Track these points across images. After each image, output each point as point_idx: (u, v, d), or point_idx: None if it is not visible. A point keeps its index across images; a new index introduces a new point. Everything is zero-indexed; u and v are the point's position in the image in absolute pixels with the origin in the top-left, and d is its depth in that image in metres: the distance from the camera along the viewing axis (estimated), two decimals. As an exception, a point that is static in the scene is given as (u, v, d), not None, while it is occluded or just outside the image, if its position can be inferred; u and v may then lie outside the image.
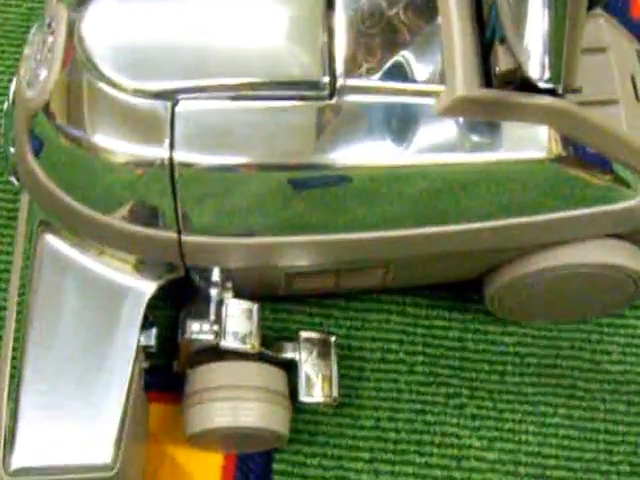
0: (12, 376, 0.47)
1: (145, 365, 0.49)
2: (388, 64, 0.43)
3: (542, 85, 0.40)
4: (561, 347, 0.55)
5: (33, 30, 0.47)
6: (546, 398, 0.54)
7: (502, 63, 0.41)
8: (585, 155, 0.45)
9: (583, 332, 0.56)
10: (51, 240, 0.49)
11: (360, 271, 0.50)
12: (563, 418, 0.54)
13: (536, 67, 0.40)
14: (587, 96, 0.47)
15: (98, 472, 0.45)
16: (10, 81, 0.62)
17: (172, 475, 0.52)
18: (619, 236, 0.50)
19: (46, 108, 0.43)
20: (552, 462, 0.52)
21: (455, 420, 0.53)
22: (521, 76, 0.41)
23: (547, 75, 0.40)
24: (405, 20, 0.45)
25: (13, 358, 0.48)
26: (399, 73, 0.43)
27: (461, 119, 0.43)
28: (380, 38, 0.44)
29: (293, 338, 0.51)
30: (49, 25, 0.45)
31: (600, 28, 0.49)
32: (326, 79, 0.42)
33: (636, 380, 0.54)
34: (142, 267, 0.48)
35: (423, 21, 0.45)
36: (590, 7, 0.40)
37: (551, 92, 0.41)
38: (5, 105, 0.50)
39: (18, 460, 0.45)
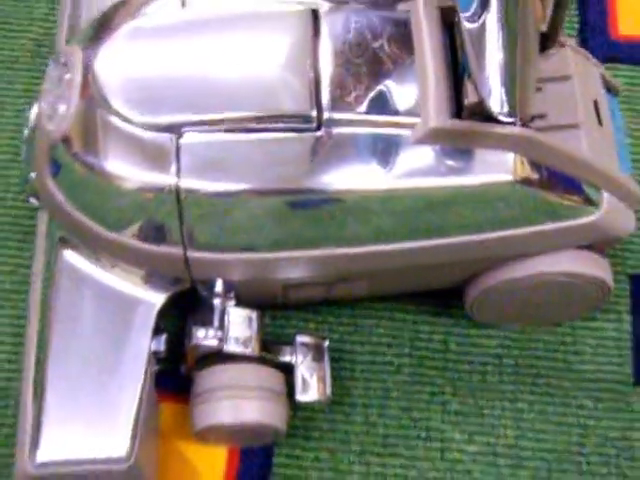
0: (35, 381, 0.52)
1: (155, 369, 0.53)
2: (371, 97, 0.48)
3: (501, 118, 0.45)
4: (537, 349, 0.59)
5: (50, 67, 0.51)
6: (523, 395, 0.58)
7: (469, 97, 0.46)
8: (551, 176, 0.50)
9: (557, 335, 0.60)
10: (69, 255, 0.53)
11: (350, 281, 0.55)
12: (538, 414, 0.58)
13: (496, 101, 0.45)
14: (551, 121, 0.51)
15: (115, 464, 0.49)
16: (24, 104, 0.67)
17: (181, 468, 0.55)
18: (587, 246, 0.54)
19: (65, 139, 0.48)
20: (528, 454, 0.56)
21: (439, 416, 0.57)
22: (485, 109, 0.45)
23: (505, 108, 0.45)
24: (388, 52, 0.50)
25: (36, 363, 0.53)
26: (380, 105, 0.48)
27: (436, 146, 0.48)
28: (364, 70, 0.48)
29: (290, 342, 0.55)
30: (65, 64, 0.50)
31: (565, 58, 0.52)
32: (314, 113, 0.46)
33: (605, 379, 0.59)
34: (152, 280, 0.52)
35: (405, 54, 0.50)
36: (543, 49, 0.45)
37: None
38: (25, 132, 0.55)
39: (43, 455, 0.49)
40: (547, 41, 0.47)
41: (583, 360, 0.59)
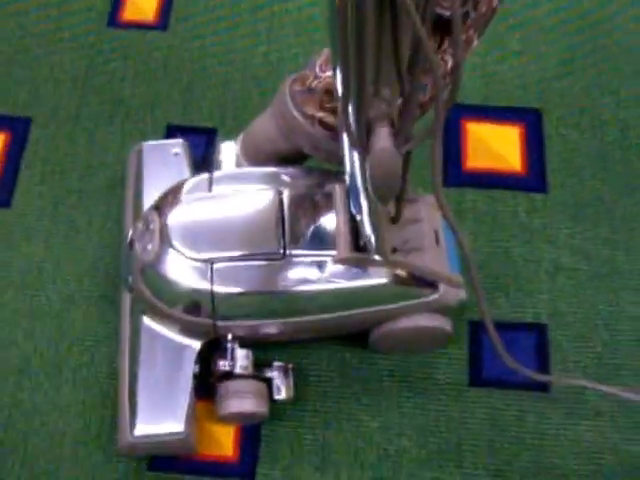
0: (130, 390, 0.92)
1: (194, 382, 0.92)
2: (311, 237, 0.89)
3: (373, 254, 0.88)
4: (410, 366, 0.98)
5: (139, 222, 0.94)
6: (403, 393, 0.97)
7: (361, 239, 0.89)
8: (409, 276, 0.93)
9: (425, 357, 1.00)
10: (146, 320, 0.93)
11: (303, 332, 0.97)
12: (413, 404, 0.97)
13: (370, 243, 0.87)
14: (409, 246, 0.91)
15: (177, 436, 0.89)
16: (103, 222, 1.08)
17: (208, 438, 0.94)
18: (435, 310, 0.97)
19: (150, 264, 0.91)
20: (406, 427, 0.96)
21: (355, 406, 0.97)
22: (367, 247, 0.89)
23: (374, 247, 0.88)
24: (320, 212, 0.92)
25: (129, 381, 0.92)
26: (316, 242, 0.89)
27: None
28: (307, 223, 0.91)
29: (270, 365, 0.94)
30: (149, 221, 0.93)
31: (419, 209, 0.93)
32: (280, 251, 0.88)
33: (452, 382, 0.98)
34: (193, 334, 0.92)
35: (329, 212, 0.92)
36: (394, 221, 0.88)
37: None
38: (124, 251, 0.98)
39: (138, 430, 0.89)
40: (395, 217, 0.90)
41: (439, 372, 1.00)
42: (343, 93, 0.65)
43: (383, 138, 0.65)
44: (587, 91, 1.20)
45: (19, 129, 1.15)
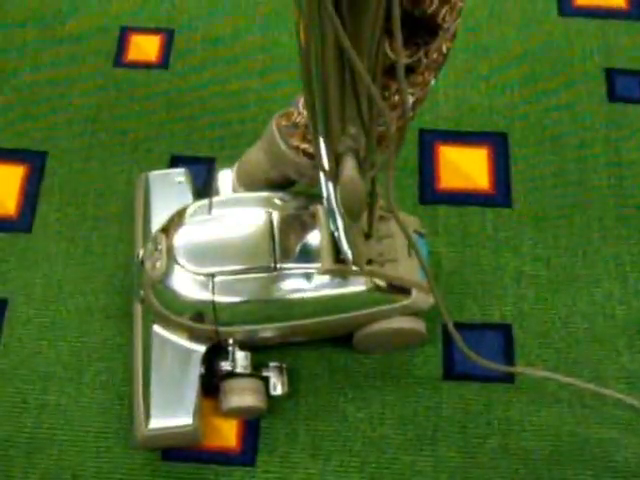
0: (143, 389, 1.04)
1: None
2: (299, 252, 1.02)
3: (353, 266, 1.01)
4: (391, 363, 1.11)
5: (149, 242, 1.07)
6: (387, 387, 1.09)
7: (341, 253, 1.03)
8: (387, 284, 1.06)
9: (403, 355, 1.13)
10: (157, 328, 1.06)
11: (294, 334, 1.11)
12: (396, 397, 1.08)
13: (348, 256, 1.00)
14: (384, 257, 1.04)
15: (186, 428, 1.01)
16: (116, 245, 1.20)
17: (213, 430, 1.06)
18: (409, 313, 1.10)
19: (159, 280, 1.04)
20: (389, 417, 1.08)
21: (342, 400, 1.09)
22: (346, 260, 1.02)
23: (352, 259, 1.00)
24: (308, 222, 1.05)
25: (143, 382, 1.05)
26: (304, 256, 1.02)
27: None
28: (295, 239, 1.05)
29: (266, 365, 1.06)
30: (157, 242, 1.06)
31: (390, 225, 1.07)
32: (272, 264, 1.01)
33: (428, 377, 1.10)
34: (198, 339, 1.04)
35: (314, 229, 1.05)
36: (367, 237, 1.02)
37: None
38: (135, 268, 1.11)
39: (152, 424, 1.01)
40: (368, 234, 1.03)
41: (417, 368, 1.12)
42: (313, 132, 0.79)
43: (348, 168, 0.79)
44: (548, 113, 1.32)
45: (36, 162, 1.27)
